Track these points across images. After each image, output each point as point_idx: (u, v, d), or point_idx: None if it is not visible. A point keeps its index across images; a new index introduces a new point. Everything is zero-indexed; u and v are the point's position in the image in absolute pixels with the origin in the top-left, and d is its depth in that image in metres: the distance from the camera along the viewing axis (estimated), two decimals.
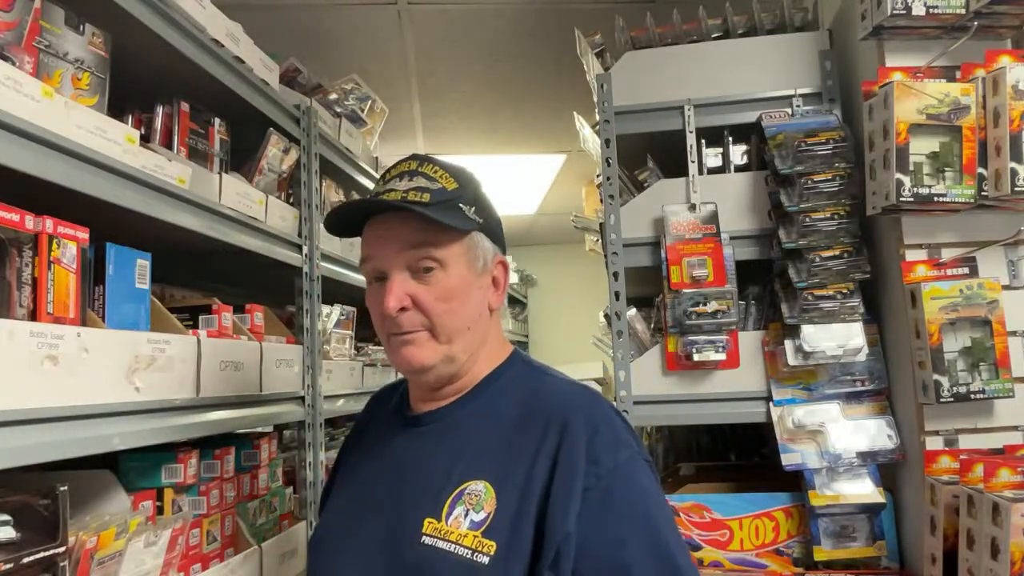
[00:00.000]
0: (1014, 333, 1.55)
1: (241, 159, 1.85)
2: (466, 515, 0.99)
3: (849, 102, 1.92)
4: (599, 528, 0.96)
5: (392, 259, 1.06)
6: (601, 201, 2.05)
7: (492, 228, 1.13)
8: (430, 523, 1.00)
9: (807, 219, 1.74)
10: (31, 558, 1.00)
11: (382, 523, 1.06)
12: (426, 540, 0.99)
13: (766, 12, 2.04)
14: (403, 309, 1.05)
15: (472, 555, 0.96)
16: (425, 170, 1.09)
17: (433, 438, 1.10)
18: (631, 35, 2.12)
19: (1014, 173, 1.46)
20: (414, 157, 1.12)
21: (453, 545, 0.97)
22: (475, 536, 0.97)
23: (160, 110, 1.58)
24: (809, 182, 1.75)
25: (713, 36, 2.06)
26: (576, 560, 0.94)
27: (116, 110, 1.39)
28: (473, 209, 1.09)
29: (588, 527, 0.95)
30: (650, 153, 2.08)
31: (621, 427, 1.05)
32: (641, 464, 1.03)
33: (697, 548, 1.82)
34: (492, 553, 0.96)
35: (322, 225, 2.13)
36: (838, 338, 1.73)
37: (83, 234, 1.15)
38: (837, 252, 1.73)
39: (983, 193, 1.53)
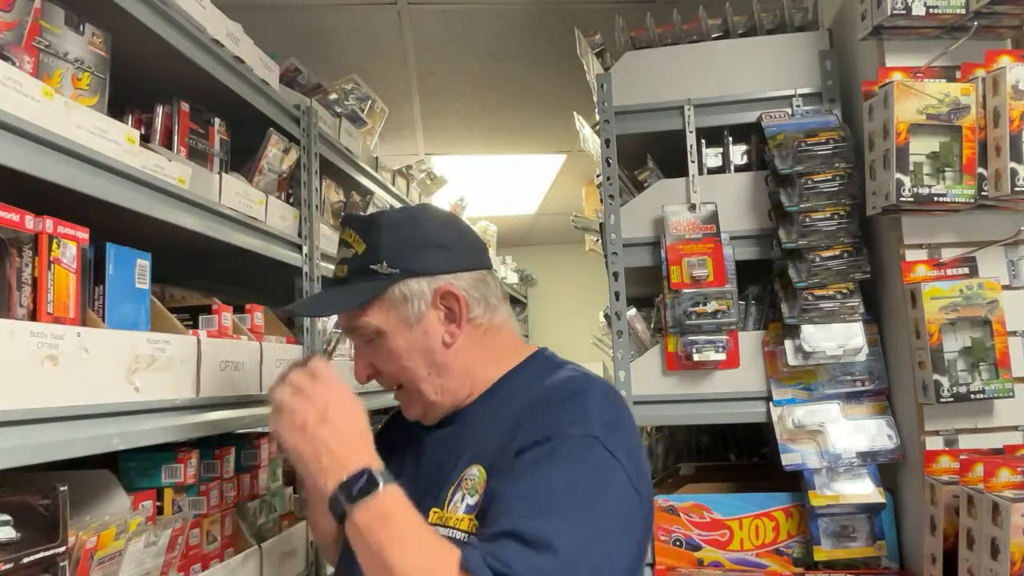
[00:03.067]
0: (1014, 333, 1.55)
1: (241, 159, 1.85)
2: (463, 500, 1.02)
3: (849, 102, 1.92)
4: (517, 476, 0.95)
5: (349, 336, 1.19)
6: (601, 201, 2.05)
7: (420, 265, 1.12)
8: (434, 512, 1.04)
9: (807, 219, 1.74)
10: (31, 558, 1.00)
11: None
12: None
13: (766, 12, 2.04)
14: (374, 374, 1.18)
15: (468, 538, 0.98)
16: (345, 236, 1.16)
17: (450, 438, 1.14)
18: (631, 35, 2.12)
19: (1014, 173, 1.46)
20: (342, 220, 1.18)
21: (451, 530, 1.00)
22: (470, 520, 1.00)
23: (160, 110, 1.58)
24: (809, 182, 1.75)
25: (713, 36, 2.06)
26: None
27: (116, 110, 1.39)
28: (386, 262, 1.11)
29: (512, 479, 0.95)
30: (650, 153, 2.08)
31: (600, 407, 1.02)
32: (595, 449, 0.97)
33: (697, 548, 1.82)
34: None
35: (322, 226, 2.14)
36: (838, 338, 1.73)
37: (83, 234, 1.15)
38: (837, 252, 1.73)
39: (983, 193, 1.53)
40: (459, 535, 0.99)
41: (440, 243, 1.14)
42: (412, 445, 1.21)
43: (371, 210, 2.55)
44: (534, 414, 1.02)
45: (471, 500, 1.01)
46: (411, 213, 1.19)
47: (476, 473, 1.03)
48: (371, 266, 1.11)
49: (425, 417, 1.17)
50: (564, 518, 0.91)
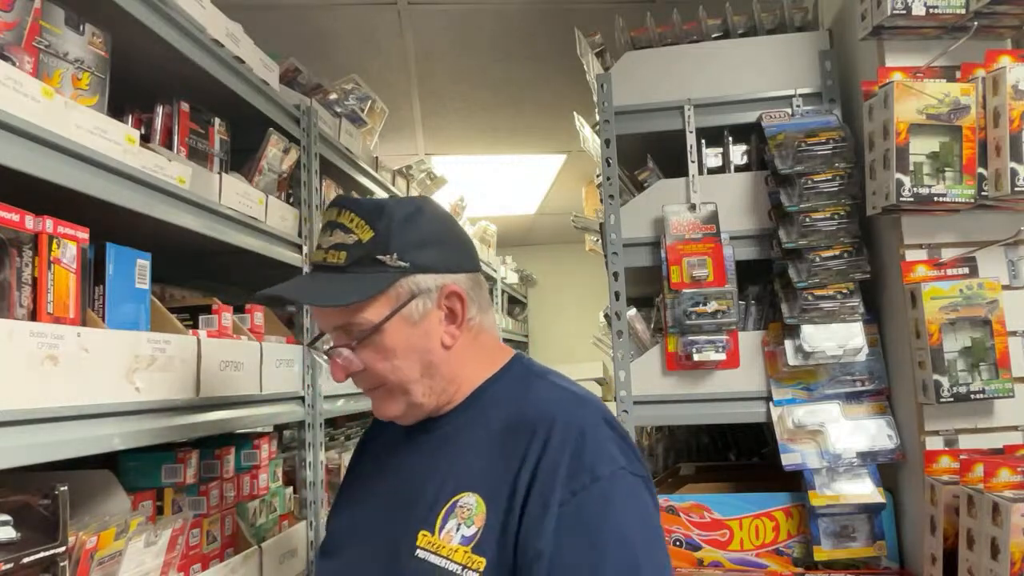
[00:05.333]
0: (1014, 333, 1.55)
1: (241, 159, 1.85)
2: (457, 529, 0.98)
3: (849, 102, 1.92)
4: (569, 546, 0.92)
5: (331, 332, 1.09)
6: (601, 201, 2.05)
7: (429, 261, 1.05)
8: (424, 536, 1.00)
9: (807, 219, 1.74)
10: (31, 558, 1.00)
11: (382, 532, 1.06)
12: (419, 553, 0.99)
13: (766, 12, 2.04)
14: (353, 373, 1.07)
15: (462, 571, 0.95)
16: (343, 220, 1.06)
17: (430, 447, 1.10)
18: (631, 35, 2.12)
19: (1014, 173, 1.46)
20: (335, 203, 1.08)
21: (444, 560, 0.97)
22: (466, 552, 0.96)
23: (160, 110, 1.58)
24: (809, 182, 1.75)
25: (713, 36, 2.06)
26: None
27: (116, 110, 1.39)
28: (395, 255, 1.02)
29: (559, 545, 0.92)
30: (650, 153, 2.08)
31: (609, 438, 1.00)
32: (626, 480, 0.97)
33: (697, 548, 1.82)
34: (481, 570, 0.95)
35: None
36: (838, 338, 1.73)
37: (83, 234, 1.15)
38: (837, 252, 1.73)
39: (983, 193, 1.53)
40: (453, 567, 0.96)
41: (446, 240, 1.09)
42: (393, 452, 1.16)
43: None
44: (552, 454, 0.97)
45: (467, 531, 0.97)
46: (417, 205, 1.09)
47: (473, 502, 0.99)
48: (378, 256, 1.02)
49: (404, 417, 1.10)
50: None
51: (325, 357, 1.10)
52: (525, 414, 1.03)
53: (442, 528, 0.99)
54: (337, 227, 1.06)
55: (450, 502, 1.00)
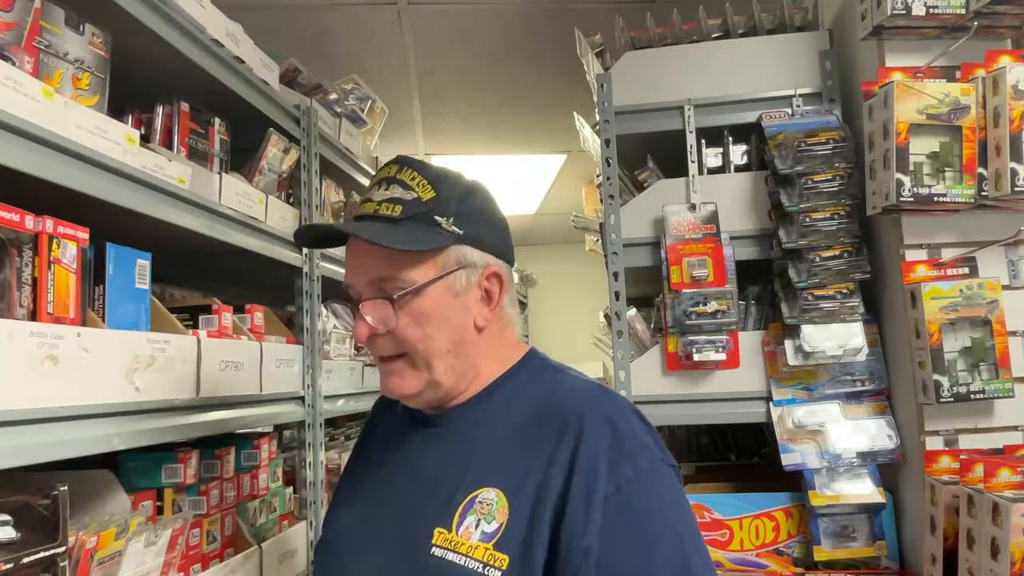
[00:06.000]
0: (1014, 333, 1.55)
1: (241, 159, 1.85)
2: (477, 525, 0.94)
3: (849, 102, 1.92)
4: (618, 542, 0.90)
5: (364, 286, 1.03)
6: (601, 201, 2.05)
7: (480, 236, 1.04)
8: (440, 533, 0.95)
9: (807, 219, 1.74)
10: (31, 558, 1.00)
11: (393, 528, 1.02)
12: (436, 551, 0.95)
13: (766, 12, 2.05)
14: (376, 335, 1.02)
15: (484, 569, 0.91)
16: (403, 176, 1.03)
17: (443, 440, 1.06)
18: (631, 35, 2.12)
19: (1014, 173, 1.46)
20: (396, 161, 1.06)
21: (463, 558, 0.92)
22: (486, 548, 0.92)
23: (160, 110, 1.58)
24: (809, 182, 1.75)
25: (713, 36, 2.06)
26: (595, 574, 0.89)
27: (116, 110, 1.39)
28: (452, 220, 1.01)
29: (607, 539, 0.89)
30: (650, 153, 2.08)
31: (640, 429, 0.99)
32: (663, 470, 0.96)
33: None
34: (504, 567, 0.91)
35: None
36: (838, 338, 1.73)
37: (83, 234, 1.15)
38: (837, 252, 1.73)
39: (983, 193, 1.53)
40: (473, 564, 0.92)
41: (496, 225, 1.08)
42: (400, 445, 1.12)
43: None
44: (589, 447, 0.94)
45: (488, 527, 0.93)
46: (476, 184, 1.08)
47: (494, 497, 0.95)
48: (436, 217, 1.00)
49: (418, 397, 1.04)
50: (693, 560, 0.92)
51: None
52: (550, 407, 1.00)
53: (460, 525, 0.95)
54: (395, 183, 1.03)
55: (468, 497, 0.96)
